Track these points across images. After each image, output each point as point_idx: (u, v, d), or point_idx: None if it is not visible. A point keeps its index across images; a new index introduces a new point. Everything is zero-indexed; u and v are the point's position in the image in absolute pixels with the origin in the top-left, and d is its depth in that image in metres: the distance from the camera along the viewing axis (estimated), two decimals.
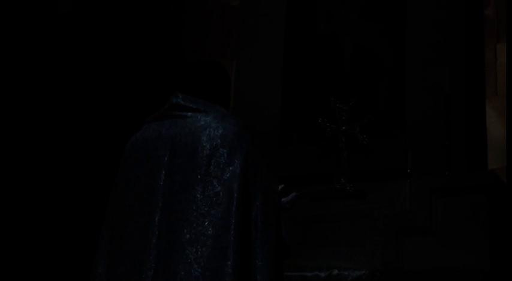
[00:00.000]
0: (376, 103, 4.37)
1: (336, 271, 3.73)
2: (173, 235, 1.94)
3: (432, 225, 3.81)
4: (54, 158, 4.24)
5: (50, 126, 4.27)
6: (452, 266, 3.67)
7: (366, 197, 4.08)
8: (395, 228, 3.90)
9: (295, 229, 4.04)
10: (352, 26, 4.52)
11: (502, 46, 4.73)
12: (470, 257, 3.65)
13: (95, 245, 2.11)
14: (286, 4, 4.59)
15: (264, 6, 4.63)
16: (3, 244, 3.95)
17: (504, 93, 4.08)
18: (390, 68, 4.37)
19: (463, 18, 4.15)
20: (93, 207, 3.65)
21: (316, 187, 4.20)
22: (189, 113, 2.07)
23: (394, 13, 4.40)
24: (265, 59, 4.63)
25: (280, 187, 2.15)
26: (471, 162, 4.04)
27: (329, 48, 4.55)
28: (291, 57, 4.63)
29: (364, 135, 4.22)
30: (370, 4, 4.49)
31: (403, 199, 3.94)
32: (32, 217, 4.11)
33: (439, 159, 3.97)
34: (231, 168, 1.97)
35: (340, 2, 4.55)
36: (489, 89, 4.24)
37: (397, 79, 4.34)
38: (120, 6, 4.65)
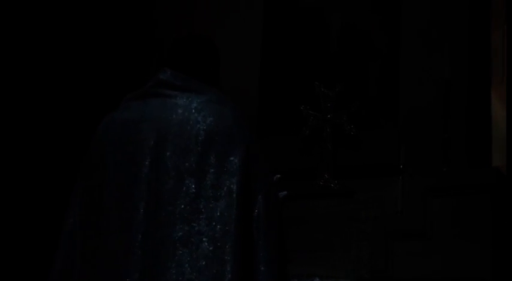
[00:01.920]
0: (366, 89, 4.37)
1: (317, 280, 3.77)
2: (163, 233, 1.87)
3: (427, 229, 3.78)
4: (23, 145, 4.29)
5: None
6: (449, 276, 3.67)
7: (352, 196, 4.08)
8: (385, 232, 3.88)
9: None
10: (340, 1, 4.54)
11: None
12: (469, 265, 3.63)
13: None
14: None
15: None
16: None
17: None
18: (383, 50, 4.38)
19: None
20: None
21: (296, 183, 4.07)
22: (180, 93, 2.00)
23: None
24: (241, 37, 4.61)
25: (275, 177, 2.13)
26: (472, 158, 4.03)
27: (314, 25, 4.56)
28: (270, 35, 4.64)
29: (352, 125, 4.20)
30: None
31: (395, 198, 3.94)
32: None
33: (436, 154, 3.95)
34: (231, 158, 1.92)
35: None
36: (495, 76, 4.16)
37: (390, 62, 4.34)
38: None
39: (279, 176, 2.16)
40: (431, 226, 3.78)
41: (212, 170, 1.92)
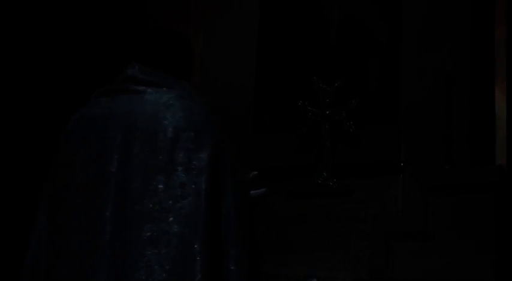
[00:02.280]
0: (365, 84, 4.37)
1: None
2: (130, 233, 1.87)
3: (428, 228, 3.78)
4: None
5: None
6: (451, 277, 3.66)
7: (351, 194, 4.08)
8: (384, 231, 3.86)
9: (268, 231, 4.05)
10: None
11: None
12: (471, 266, 3.62)
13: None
14: None
15: None
16: None
17: None
18: (383, 44, 4.38)
19: None
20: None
21: (294, 181, 4.21)
22: (149, 89, 2.01)
23: None
24: (237, 29, 4.63)
25: (252, 174, 2.14)
26: (475, 155, 4.02)
27: (312, 18, 4.55)
28: (267, 28, 4.63)
29: (351, 121, 4.19)
30: None
31: (395, 197, 3.95)
32: None
33: (438, 151, 3.95)
34: (199, 155, 1.91)
35: None
36: (499, 71, 4.16)
37: (391, 57, 4.33)
38: None
39: (255, 173, 2.16)
40: (432, 226, 3.77)
41: (180, 168, 1.92)
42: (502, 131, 4.06)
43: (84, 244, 1.90)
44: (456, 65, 4.01)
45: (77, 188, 1.96)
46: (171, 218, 1.87)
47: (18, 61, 4.43)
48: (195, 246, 1.84)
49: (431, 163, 3.95)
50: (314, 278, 3.80)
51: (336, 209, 4.06)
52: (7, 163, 4.27)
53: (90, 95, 2.10)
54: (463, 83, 4.05)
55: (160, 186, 1.89)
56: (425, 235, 3.76)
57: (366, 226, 3.97)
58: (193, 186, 1.89)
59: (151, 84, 2.01)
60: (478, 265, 3.61)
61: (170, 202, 1.88)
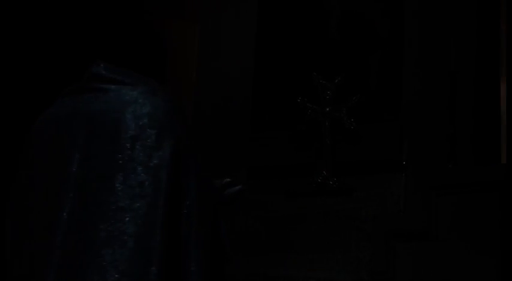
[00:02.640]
0: (367, 81, 4.36)
1: None
2: (85, 233, 1.88)
3: (431, 229, 3.78)
4: None
5: None
6: (454, 279, 3.64)
7: (352, 194, 4.10)
8: (386, 232, 3.86)
9: (266, 231, 4.10)
10: None
11: None
12: (476, 267, 3.61)
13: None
14: None
15: None
16: None
17: None
18: (385, 39, 4.37)
19: None
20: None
21: (293, 180, 4.23)
22: (113, 86, 2.01)
23: None
24: (235, 23, 4.65)
25: (225, 181, 2.14)
26: (479, 154, 4.01)
27: (312, 12, 4.55)
28: (266, 22, 4.66)
29: (352, 119, 4.21)
30: None
31: (397, 197, 3.97)
32: None
33: (441, 150, 3.94)
34: (159, 153, 1.90)
35: None
36: (504, 67, 4.16)
37: (393, 52, 4.33)
38: None
39: (228, 180, 2.17)
40: (435, 226, 3.77)
41: (140, 167, 1.92)
42: (506, 129, 4.06)
43: (39, 244, 1.91)
44: (460, 60, 4.00)
45: (38, 188, 1.98)
46: (127, 218, 1.86)
47: None
48: (153, 248, 1.83)
49: (434, 161, 3.97)
50: (313, 279, 3.82)
51: (336, 209, 4.07)
52: None
53: (58, 95, 2.11)
54: (467, 79, 4.05)
55: (118, 185, 1.89)
56: (427, 235, 3.77)
57: (367, 226, 3.98)
58: (152, 185, 1.88)
59: (116, 82, 2.02)
60: (482, 266, 3.59)
61: (128, 201, 1.88)
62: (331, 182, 4.12)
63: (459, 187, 3.75)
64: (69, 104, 2.03)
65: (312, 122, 4.26)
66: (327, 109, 4.22)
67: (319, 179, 4.13)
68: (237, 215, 4.10)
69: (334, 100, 4.24)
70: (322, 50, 4.46)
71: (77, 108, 2.00)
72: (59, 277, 1.86)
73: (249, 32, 4.60)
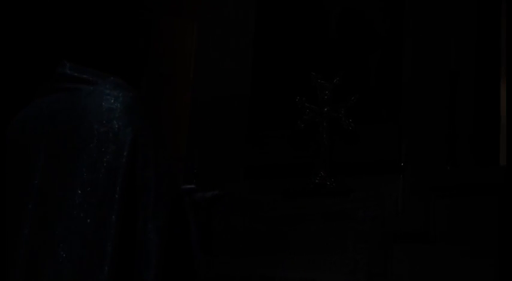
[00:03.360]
0: (366, 80, 4.36)
1: None
2: (45, 230, 1.90)
3: (429, 231, 3.77)
4: None
5: None
6: None
7: (350, 194, 4.06)
8: (384, 233, 3.88)
9: (262, 232, 4.05)
10: None
11: None
12: (474, 270, 3.61)
13: None
14: None
15: None
16: None
17: None
18: (385, 38, 4.37)
19: None
20: None
21: (290, 180, 4.22)
22: (78, 85, 2.04)
23: None
24: (233, 21, 4.63)
25: (212, 194, 2.14)
26: (479, 155, 4.02)
27: (311, 11, 4.54)
28: (264, 20, 4.63)
29: (350, 119, 4.20)
30: None
31: (395, 198, 3.96)
32: None
33: (440, 151, 3.95)
34: (117, 146, 1.91)
35: None
36: (504, 68, 4.16)
37: (392, 51, 4.33)
38: None
39: (216, 193, 2.16)
40: (433, 228, 3.77)
41: (98, 162, 1.93)
42: (506, 130, 4.06)
43: (5, 244, 1.94)
44: (461, 61, 3.99)
45: (5, 190, 2.01)
46: (82, 214, 1.88)
47: None
48: (105, 245, 1.85)
49: (433, 162, 3.96)
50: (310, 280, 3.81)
51: (333, 209, 4.03)
52: None
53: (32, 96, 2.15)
54: (468, 79, 4.04)
55: (77, 182, 1.91)
56: (425, 237, 3.76)
57: (364, 227, 3.93)
58: (109, 180, 1.89)
59: (81, 81, 2.04)
60: (480, 269, 3.59)
61: (84, 197, 1.89)
62: (328, 183, 4.10)
63: (458, 189, 3.75)
64: (37, 104, 2.07)
65: (310, 122, 4.24)
66: (325, 109, 4.19)
67: (317, 180, 4.12)
68: (233, 215, 4.09)
69: (333, 100, 4.21)
70: (321, 49, 4.46)
71: (42, 108, 2.04)
72: (24, 275, 1.89)
73: (247, 31, 4.58)
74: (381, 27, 4.38)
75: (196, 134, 4.57)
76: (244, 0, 4.63)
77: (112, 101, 1.97)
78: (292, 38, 4.53)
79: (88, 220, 1.87)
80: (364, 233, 3.93)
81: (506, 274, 3.64)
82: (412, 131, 4.08)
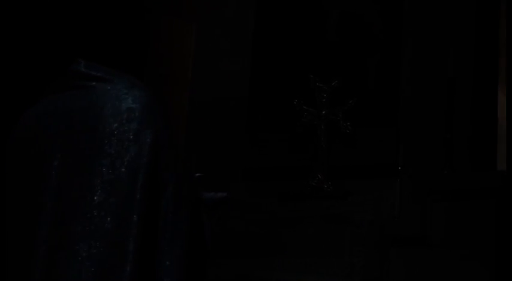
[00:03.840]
0: (364, 84, 4.34)
1: None
2: (63, 228, 1.90)
3: (427, 234, 3.81)
4: None
5: None
6: None
7: (347, 198, 4.06)
8: (381, 237, 3.89)
9: (258, 234, 4.06)
10: None
11: None
12: (472, 274, 3.63)
13: None
14: None
15: None
16: None
17: None
18: (383, 41, 4.36)
19: None
20: None
21: (287, 183, 4.20)
22: (92, 83, 2.04)
23: None
24: (232, 23, 4.61)
25: (197, 175, 2.13)
26: (476, 160, 4.02)
27: (310, 13, 4.53)
28: (263, 22, 4.60)
29: (348, 122, 4.18)
30: None
31: (392, 202, 3.94)
32: None
33: (438, 155, 3.95)
34: (137, 147, 1.92)
35: None
36: (502, 72, 4.15)
37: (390, 55, 4.30)
38: None
39: (199, 175, 2.15)
40: (430, 232, 3.78)
41: (118, 160, 1.93)
42: (503, 135, 4.06)
43: (22, 243, 1.93)
44: (459, 65, 3.99)
45: (18, 186, 2.00)
46: (103, 213, 1.88)
47: None
48: (127, 244, 1.85)
49: (430, 166, 3.96)
50: None
51: (331, 213, 4.04)
52: None
53: (40, 94, 2.14)
54: (465, 84, 4.04)
55: (96, 180, 1.91)
56: (423, 241, 3.77)
57: (361, 231, 3.95)
58: (129, 180, 1.89)
59: (96, 79, 2.04)
60: (477, 274, 3.61)
61: (104, 195, 1.89)
62: (326, 186, 4.08)
63: (455, 193, 3.77)
64: (50, 102, 2.05)
65: (308, 125, 4.22)
66: (323, 112, 4.18)
67: (314, 183, 4.10)
68: (230, 217, 4.09)
69: (331, 103, 4.19)
70: (320, 52, 4.44)
71: (57, 105, 2.02)
72: (43, 274, 1.88)
73: (246, 33, 4.56)
74: (379, 31, 4.36)
75: (194, 136, 4.56)
76: (244, 1, 4.61)
77: (130, 101, 1.97)
78: (291, 41, 4.51)
79: (108, 219, 1.87)
80: (361, 236, 3.94)
81: (503, 278, 3.65)
82: (410, 135, 4.07)
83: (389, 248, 3.82)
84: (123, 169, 1.90)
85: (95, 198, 1.89)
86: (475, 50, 4.10)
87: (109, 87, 2.00)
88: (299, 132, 4.26)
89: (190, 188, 2.00)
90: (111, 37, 2.09)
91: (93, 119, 1.96)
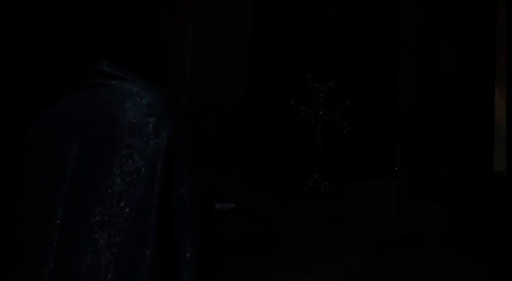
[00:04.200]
0: (361, 84, 4.35)
1: None
2: (80, 216, 1.93)
3: (423, 235, 3.79)
4: None
5: None
6: None
7: (343, 198, 4.06)
8: (377, 237, 3.89)
9: (255, 234, 4.06)
10: None
11: None
12: (466, 275, 3.64)
13: None
14: None
15: None
16: None
17: None
18: (380, 41, 4.37)
19: None
20: None
21: (284, 183, 4.20)
22: (114, 81, 2.09)
23: None
24: (229, 23, 4.62)
25: (227, 206, 2.22)
26: (473, 161, 4.03)
27: (307, 13, 4.54)
28: (261, 22, 4.61)
29: (345, 122, 4.18)
30: None
31: (389, 202, 3.93)
32: None
33: (434, 156, 3.96)
34: (156, 140, 1.97)
35: None
36: (500, 72, 4.15)
37: (388, 55, 4.31)
38: None
39: (233, 206, 2.24)
40: (427, 233, 3.78)
41: (136, 154, 1.97)
42: (500, 136, 4.06)
43: (36, 229, 1.96)
44: (456, 65, 4.00)
45: (34, 176, 2.03)
46: (122, 203, 1.91)
47: None
48: (147, 232, 1.88)
49: (427, 167, 3.97)
50: None
51: (327, 213, 4.03)
52: None
53: (61, 92, 2.17)
54: (462, 84, 4.04)
55: (115, 170, 1.94)
56: (419, 241, 3.77)
57: (358, 231, 3.94)
58: (148, 171, 1.93)
59: (117, 78, 2.08)
60: (472, 274, 3.61)
61: (124, 186, 1.93)
62: (322, 186, 4.08)
63: (451, 194, 3.76)
64: (70, 99, 2.09)
65: (305, 125, 4.23)
66: (320, 112, 4.18)
67: (311, 183, 4.10)
68: (228, 218, 4.09)
69: (328, 103, 4.19)
70: (317, 52, 4.45)
71: (77, 101, 2.07)
72: (58, 261, 1.90)
73: (243, 32, 4.57)
74: (377, 31, 4.37)
75: (196, 130, 4.56)
76: (241, 2, 4.61)
77: (150, 98, 2.02)
78: (288, 41, 4.52)
79: (127, 210, 1.90)
80: (357, 237, 3.93)
81: (499, 279, 3.65)
82: (407, 135, 4.08)
83: (386, 248, 3.82)
84: (142, 161, 1.94)
85: (115, 188, 1.93)
86: (472, 50, 4.10)
87: (129, 86, 2.05)
88: (296, 132, 4.26)
89: (206, 186, 2.04)
90: (133, 40, 2.15)
91: (113, 111, 2.00)
